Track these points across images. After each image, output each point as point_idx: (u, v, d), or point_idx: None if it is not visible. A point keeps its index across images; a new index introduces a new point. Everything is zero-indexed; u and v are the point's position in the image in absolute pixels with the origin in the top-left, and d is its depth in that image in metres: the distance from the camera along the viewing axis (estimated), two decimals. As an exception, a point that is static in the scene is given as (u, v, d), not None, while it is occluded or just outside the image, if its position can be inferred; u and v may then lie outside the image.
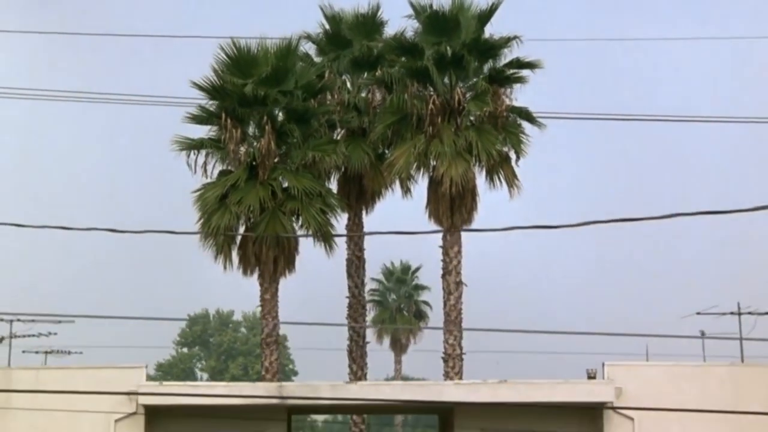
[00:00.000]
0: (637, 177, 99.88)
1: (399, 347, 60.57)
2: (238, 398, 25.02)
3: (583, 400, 25.11)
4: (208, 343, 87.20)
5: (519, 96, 30.91)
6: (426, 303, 57.43)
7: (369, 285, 39.24)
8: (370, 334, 45.81)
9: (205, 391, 24.78)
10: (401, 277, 58.78)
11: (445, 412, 27.15)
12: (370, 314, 56.94)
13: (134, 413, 24.54)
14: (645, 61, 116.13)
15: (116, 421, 24.59)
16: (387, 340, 59.56)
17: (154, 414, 24.77)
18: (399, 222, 33.52)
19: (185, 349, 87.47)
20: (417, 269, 57.46)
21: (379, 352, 52.87)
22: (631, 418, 24.91)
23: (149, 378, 25.15)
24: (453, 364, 29.39)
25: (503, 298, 71.35)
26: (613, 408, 24.97)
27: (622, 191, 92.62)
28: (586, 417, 25.66)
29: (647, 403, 24.70)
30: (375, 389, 26.03)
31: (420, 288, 58.98)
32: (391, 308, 58.64)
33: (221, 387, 25.03)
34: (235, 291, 51.39)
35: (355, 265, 32.48)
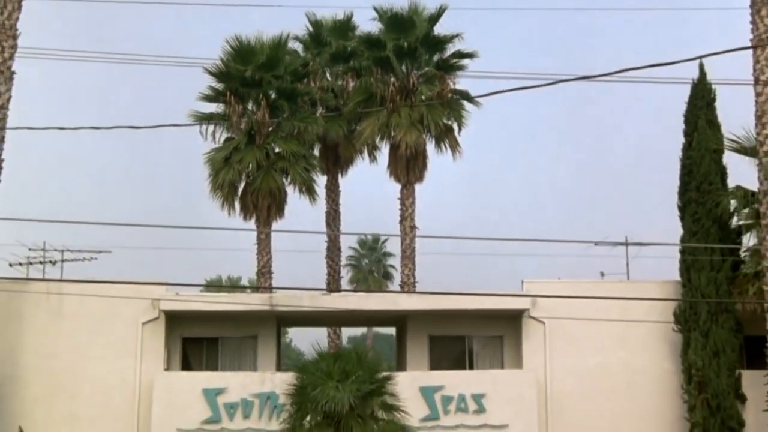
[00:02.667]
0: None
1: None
2: (238, 306, 26.01)
3: (507, 308, 25.80)
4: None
5: (460, 80, 31.33)
6: (392, 266, 58.05)
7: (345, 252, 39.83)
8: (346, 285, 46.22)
9: (211, 299, 25.59)
10: (372, 246, 59.36)
11: (401, 322, 27.73)
12: (347, 275, 57.69)
13: (156, 318, 25.18)
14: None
15: (143, 323, 25.19)
16: (362, 294, 60.00)
17: (171, 318, 25.43)
18: (367, 182, 34.83)
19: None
20: (385, 240, 58.21)
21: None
22: (543, 323, 25.87)
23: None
24: (408, 290, 30.25)
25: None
26: (530, 315, 25.83)
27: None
28: (510, 322, 26.42)
29: (555, 312, 25.55)
30: (344, 299, 26.94)
31: (387, 255, 59.46)
32: (364, 271, 59.18)
33: (224, 297, 25.74)
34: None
35: (332, 216, 33.03)
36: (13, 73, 23.79)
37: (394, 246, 51.90)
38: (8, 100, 23.67)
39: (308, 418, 21.01)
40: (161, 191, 78.52)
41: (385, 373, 22.05)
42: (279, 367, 26.57)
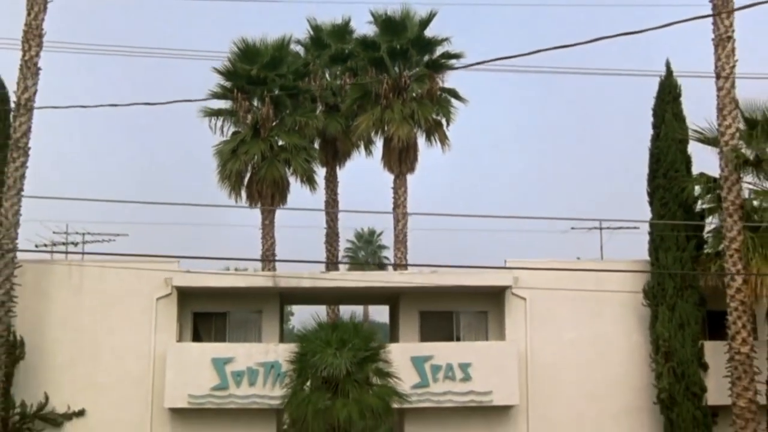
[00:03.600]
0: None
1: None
2: (244, 283, 26.43)
3: (491, 284, 26.13)
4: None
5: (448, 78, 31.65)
6: (387, 258, 58.29)
7: (342, 245, 40.05)
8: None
9: (220, 277, 25.86)
10: (368, 239, 59.92)
11: (394, 300, 28.01)
12: (345, 268, 57.84)
13: (169, 294, 25.49)
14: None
15: (157, 299, 25.52)
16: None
17: (183, 294, 25.78)
18: (362, 173, 35.24)
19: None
20: (380, 233, 58.71)
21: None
22: (524, 298, 26.10)
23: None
24: (400, 267, 30.42)
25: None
26: (512, 292, 26.11)
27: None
28: (493, 298, 26.73)
29: (536, 288, 25.88)
30: (342, 277, 27.19)
31: (382, 247, 59.95)
32: (360, 261, 59.58)
33: (232, 274, 26.17)
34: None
35: (331, 205, 33.29)
36: (39, 68, 24.48)
37: (388, 239, 52.53)
38: (35, 93, 24.44)
39: (308, 383, 21.56)
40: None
41: (378, 342, 22.75)
42: (282, 339, 26.96)
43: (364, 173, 33.54)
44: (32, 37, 24.20)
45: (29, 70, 24.20)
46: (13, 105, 24.52)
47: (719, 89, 24.43)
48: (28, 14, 24.36)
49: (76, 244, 27.48)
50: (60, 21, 25.07)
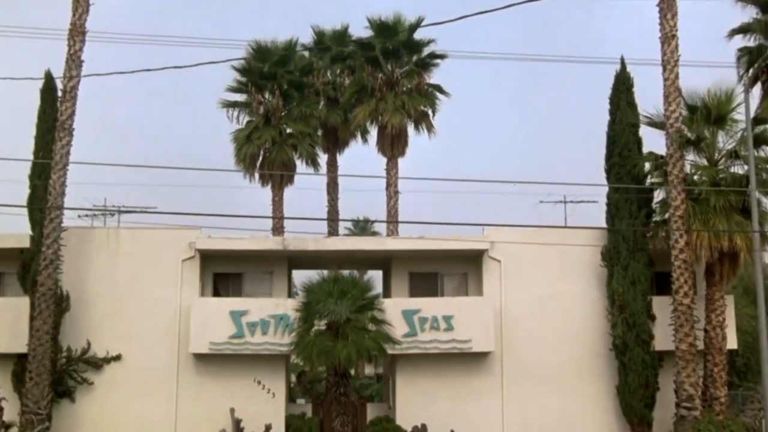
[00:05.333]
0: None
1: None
2: (257, 246, 26.87)
3: (471, 248, 26.98)
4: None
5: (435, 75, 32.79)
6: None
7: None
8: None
9: (236, 241, 26.46)
10: (364, 226, 60.62)
11: (387, 264, 28.57)
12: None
13: (193, 257, 26.35)
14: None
15: (182, 261, 26.34)
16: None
17: (205, 257, 26.59)
18: (359, 160, 36.29)
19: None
20: (374, 221, 59.34)
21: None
22: (499, 260, 26.90)
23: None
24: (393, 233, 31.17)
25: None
26: (489, 255, 26.95)
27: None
28: (472, 261, 27.46)
29: (509, 253, 26.87)
30: (342, 242, 28.22)
31: (376, 233, 60.37)
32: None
33: (246, 239, 26.91)
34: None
35: (332, 186, 34.13)
36: (82, 61, 25.55)
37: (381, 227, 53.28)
38: (78, 82, 25.41)
39: (314, 329, 22.63)
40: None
41: (374, 293, 23.86)
42: (289, 296, 27.88)
43: (359, 159, 34.58)
44: (76, 34, 25.26)
45: (74, 62, 25.26)
46: (60, 93, 25.59)
47: (665, 80, 25.62)
48: (73, 15, 25.28)
49: (112, 213, 28.48)
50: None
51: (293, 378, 39.61)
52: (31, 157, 25.64)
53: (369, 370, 49.64)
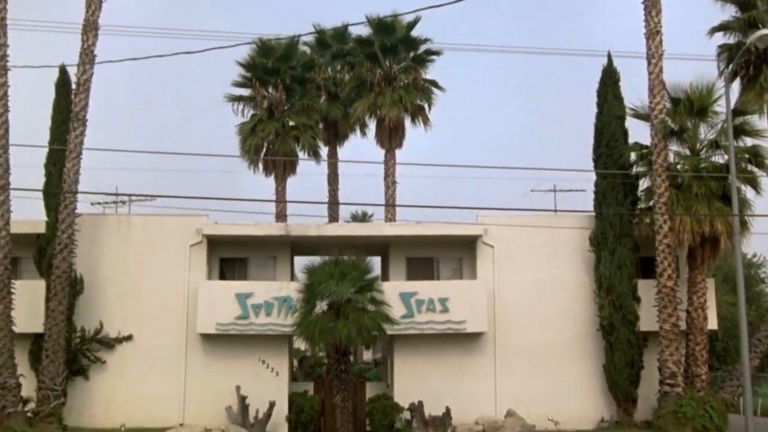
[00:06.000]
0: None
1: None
2: (261, 232, 26.92)
3: (466, 234, 27.29)
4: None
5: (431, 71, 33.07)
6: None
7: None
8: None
9: (241, 227, 26.60)
10: (362, 219, 60.65)
11: (385, 250, 28.74)
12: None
13: (200, 242, 26.65)
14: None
15: (190, 246, 26.63)
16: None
17: (212, 242, 26.90)
18: (358, 153, 36.63)
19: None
20: (371, 215, 59.59)
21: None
22: (492, 246, 27.29)
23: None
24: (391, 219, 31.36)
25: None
26: (482, 241, 27.33)
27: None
28: (467, 246, 27.78)
29: (502, 239, 27.26)
30: (342, 228, 28.27)
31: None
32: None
33: (251, 225, 27.16)
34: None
35: (332, 177, 34.59)
36: (95, 56, 25.89)
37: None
38: (91, 76, 25.73)
39: (316, 309, 22.87)
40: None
41: (373, 275, 24.11)
42: (292, 280, 28.08)
43: (358, 149, 34.85)
44: (90, 29, 25.58)
45: (87, 57, 25.59)
46: (73, 86, 25.96)
47: (650, 73, 26.13)
48: (87, 11, 25.64)
49: (123, 202, 28.88)
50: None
51: (295, 363, 39.94)
52: (47, 147, 26.00)
53: (367, 356, 50.02)
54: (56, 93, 26.67)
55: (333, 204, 33.68)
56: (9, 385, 23.08)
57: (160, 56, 17.45)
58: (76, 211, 25.27)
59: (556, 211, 29.06)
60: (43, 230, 25.73)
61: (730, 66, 27.09)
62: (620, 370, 25.91)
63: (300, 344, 41.20)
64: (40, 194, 25.78)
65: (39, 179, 26.20)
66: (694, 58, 29.94)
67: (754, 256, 49.44)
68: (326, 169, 34.44)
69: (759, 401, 34.86)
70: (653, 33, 26.10)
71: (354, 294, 22.71)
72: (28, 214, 26.22)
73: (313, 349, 41.18)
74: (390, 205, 30.83)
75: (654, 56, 26.03)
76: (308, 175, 33.98)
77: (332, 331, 22.00)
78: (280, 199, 31.85)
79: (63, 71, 26.75)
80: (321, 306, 22.96)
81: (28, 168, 25.65)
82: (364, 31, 32.94)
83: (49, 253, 25.12)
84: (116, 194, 27.60)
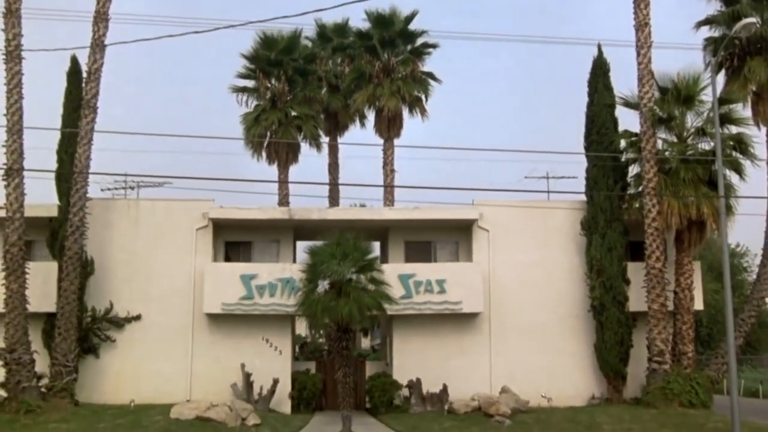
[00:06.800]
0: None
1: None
2: (265, 216, 27.22)
3: (462, 218, 27.53)
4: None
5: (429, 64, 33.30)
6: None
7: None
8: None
9: (246, 211, 26.86)
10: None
11: (384, 234, 29.06)
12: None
13: (206, 225, 26.94)
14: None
15: (196, 229, 26.96)
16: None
17: (217, 226, 27.16)
18: (358, 140, 36.84)
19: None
20: (367, 207, 58.97)
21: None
22: (487, 230, 27.61)
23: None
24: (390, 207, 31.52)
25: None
26: (478, 225, 27.60)
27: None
28: (463, 230, 28.09)
29: (497, 223, 27.58)
30: (343, 212, 28.46)
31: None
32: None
33: (255, 209, 27.37)
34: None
35: (333, 166, 34.77)
36: (105, 46, 26.08)
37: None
38: (101, 65, 25.91)
39: (318, 288, 22.94)
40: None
41: (373, 255, 24.32)
42: (294, 261, 28.17)
43: (358, 138, 35.03)
44: (101, 20, 25.75)
45: (98, 46, 25.77)
46: (84, 75, 26.17)
47: (639, 63, 26.46)
48: (98, 3, 25.75)
49: (132, 187, 29.16)
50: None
51: (296, 348, 40.18)
52: (58, 134, 26.21)
53: (365, 343, 50.39)
54: (68, 82, 26.89)
55: (333, 185, 33.75)
56: (24, 360, 23.31)
57: (171, 36, 17.67)
58: (87, 195, 25.47)
59: (548, 190, 29.73)
60: (55, 214, 25.98)
61: (716, 58, 27.39)
62: (610, 348, 26.21)
63: (301, 331, 41.50)
64: (51, 181, 26.03)
65: (50, 165, 26.32)
66: (682, 46, 30.24)
67: (738, 246, 50.01)
68: (327, 159, 34.62)
69: (742, 383, 35.25)
70: (642, 25, 26.45)
71: (355, 273, 22.92)
72: (39, 199, 26.43)
73: (315, 330, 41.34)
74: (389, 186, 31.08)
75: (643, 47, 26.36)
76: (310, 157, 33.64)
77: (334, 309, 22.16)
78: (283, 186, 32.05)
79: (74, 61, 27.00)
80: (323, 285, 23.15)
81: (40, 150, 25.81)
82: (362, 24, 33.33)
83: (61, 235, 25.36)
84: (126, 175, 27.82)
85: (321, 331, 45.14)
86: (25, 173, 23.96)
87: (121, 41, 19.66)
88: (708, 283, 38.22)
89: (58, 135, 26.01)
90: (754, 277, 30.18)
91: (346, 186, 35.91)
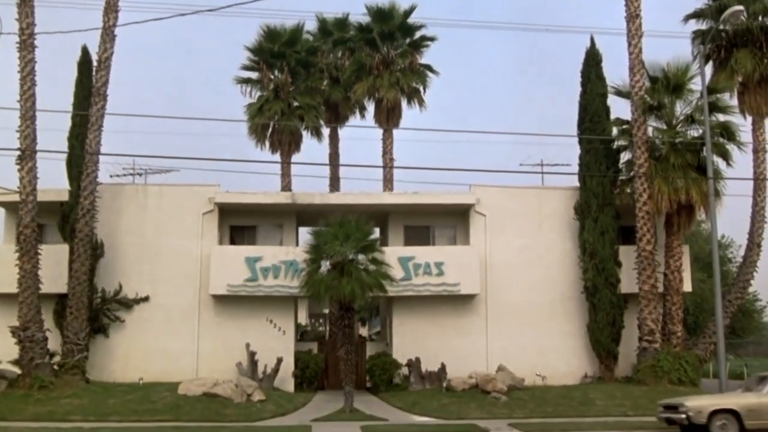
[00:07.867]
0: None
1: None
2: (269, 200, 27.25)
3: (459, 203, 27.65)
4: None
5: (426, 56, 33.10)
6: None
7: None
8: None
9: (250, 195, 26.93)
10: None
11: (384, 218, 28.89)
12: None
13: (212, 210, 26.97)
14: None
15: (203, 214, 26.97)
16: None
17: (223, 210, 27.23)
18: (358, 132, 36.88)
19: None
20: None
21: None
22: (484, 214, 27.66)
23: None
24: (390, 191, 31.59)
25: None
26: (475, 210, 27.67)
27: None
28: (461, 215, 28.18)
29: (493, 208, 27.65)
30: (345, 196, 28.11)
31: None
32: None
33: (260, 193, 27.41)
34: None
35: (334, 157, 34.49)
36: (115, 35, 26.12)
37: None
38: (111, 54, 25.98)
39: (321, 269, 23.24)
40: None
41: (374, 236, 24.43)
42: (297, 245, 28.24)
43: (358, 130, 35.09)
44: (111, 10, 25.81)
45: (108, 36, 25.84)
46: (95, 64, 26.18)
47: (630, 54, 26.60)
48: (108, -6, 26.01)
49: (141, 174, 29.16)
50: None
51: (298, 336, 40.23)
52: (69, 121, 26.28)
53: (364, 333, 50.40)
54: (78, 71, 26.88)
55: (334, 165, 33.69)
56: (37, 338, 23.36)
57: (183, 14, 17.64)
58: (97, 180, 25.52)
59: (542, 174, 29.66)
60: (66, 198, 26.02)
61: (704, 49, 27.49)
62: (602, 329, 26.34)
63: (302, 319, 41.52)
64: (60, 162, 26.06)
65: (56, 148, 26.32)
66: (672, 35, 30.44)
67: (723, 237, 50.07)
68: (328, 149, 34.58)
69: (728, 365, 35.22)
70: (633, 16, 26.59)
71: (356, 254, 23.08)
72: (50, 184, 26.39)
73: (317, 309, 41.32)
74: (389, 167, 31.15)
75: (634, 37, 26.51)
76: (311, 148, 33.75)
77: (337, 287, 22.42)
78: (286, 174, 32.13)
79: (85, 51, 26.99)
80: (326, 266, 23.31)
81: (50, 132, 25.78)
82: (362, 18, 33.26)
83: (72, 218, 25.42)
84: (135, 155, 27.95)
85: (320, 320, 45.34)
86: (37, 157, 23.99)
87: (133, 22, 19.41)
88: (694, 272, 38.30)
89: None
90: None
91: (346, 170, 35.60)
